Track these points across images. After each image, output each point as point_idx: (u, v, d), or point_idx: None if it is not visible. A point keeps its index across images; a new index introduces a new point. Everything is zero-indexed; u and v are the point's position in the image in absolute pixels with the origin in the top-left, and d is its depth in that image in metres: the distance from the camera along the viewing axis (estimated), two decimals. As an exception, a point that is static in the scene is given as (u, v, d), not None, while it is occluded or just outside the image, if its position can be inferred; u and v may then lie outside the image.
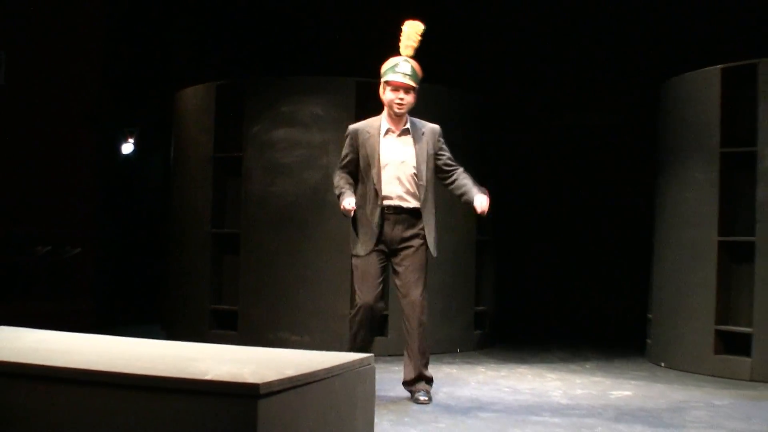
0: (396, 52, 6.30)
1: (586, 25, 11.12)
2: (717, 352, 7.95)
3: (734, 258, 7.99)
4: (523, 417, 5.82)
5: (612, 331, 10.67)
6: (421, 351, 6.28)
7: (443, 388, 6.84)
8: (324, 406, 3.01)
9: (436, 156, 6.37)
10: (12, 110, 10.69)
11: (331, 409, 3.06)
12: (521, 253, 11.66)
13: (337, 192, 6.34)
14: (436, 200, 6.41)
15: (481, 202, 6.23)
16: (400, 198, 6.25)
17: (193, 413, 2.68)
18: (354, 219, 6.30)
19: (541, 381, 7.43)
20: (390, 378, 6.98)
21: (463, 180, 6.38)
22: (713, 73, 8.11)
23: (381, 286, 6.32)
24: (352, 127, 6.43)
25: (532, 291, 11.82)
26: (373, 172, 6.24)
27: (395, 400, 6.20)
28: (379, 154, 6.26)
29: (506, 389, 6.96)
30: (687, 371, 8.10)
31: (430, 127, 6.44)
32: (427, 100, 9.01)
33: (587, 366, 8.43)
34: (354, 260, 6.36)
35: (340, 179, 6.38)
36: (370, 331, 6.39)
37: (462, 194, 6.35)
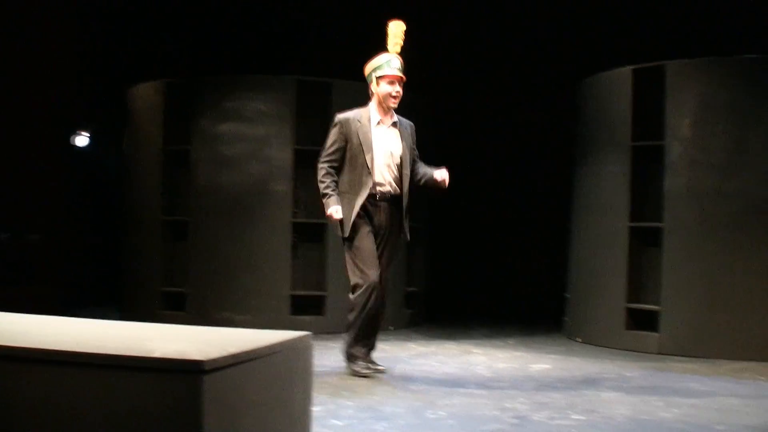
0: (379, 50, 6.32)
1: (509, 28, 11.17)
2: (628, 328, 8.05)
3: (643, 242, 8.08)
4: (450, 389, 5.85)
5: (532, 309, 10.75)
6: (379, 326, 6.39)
7: (378, 363, 6.85)
8: (265, 381, 3.01)
9: (414, 151, 6.41)
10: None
11: (272, 383, 3.06)
12: (450, 239, 11.71)
13: (322, 189, 6.23)
14: None
15: (441, 172, 6.29)
16: (390, 185, 6.23)
17: (142, 389, 2.67)
18: (346, 204, 6.19)
19: (467, 356, 7.47)
20: (328, 354, 6.98)
21: (421, 168, 6.41)
22: (625, 73, 8.19)
23: (378, 263, 6.20)
24: (341, 116, 6.34)
25: (460, 273, 11.87)
26: (367, 158, 6.16)
27: (333, 375, 6.20)
28: (372, 142, 6.21)
29: (435, 364, 7.00)
30: (601, 346, 8.19)
31: (409, 123, 6.47)
32: (360, 98, 9.06)
33: (510, 342, 8.49)
34: (348, 244, 6.18)
35: (326, 175, 6.26)
36: (376, 315, 6.25)
37: (422, 177, 6.37)
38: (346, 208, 6.17)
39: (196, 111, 9.02)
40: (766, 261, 7.52)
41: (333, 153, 6.28)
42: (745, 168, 7.59)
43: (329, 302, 8.86)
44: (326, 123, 8.85)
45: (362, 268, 6.13)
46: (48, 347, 2.85)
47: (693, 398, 5.67)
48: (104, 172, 12.22)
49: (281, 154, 8.80)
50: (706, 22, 9.95)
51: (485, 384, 6.09)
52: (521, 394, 5.72)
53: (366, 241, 6.15)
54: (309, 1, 10.99)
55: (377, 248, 6.21)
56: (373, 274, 6.11)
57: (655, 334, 7.83)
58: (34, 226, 10.47)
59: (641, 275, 8.12)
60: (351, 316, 6.25)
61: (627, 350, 7.92)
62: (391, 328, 9.16)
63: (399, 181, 6.26)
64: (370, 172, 6.16)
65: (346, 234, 6.17)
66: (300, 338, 3.30)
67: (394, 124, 6.33)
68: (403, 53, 6.32)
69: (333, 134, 6.30)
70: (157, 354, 2.73)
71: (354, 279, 6.20)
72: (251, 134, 8.83)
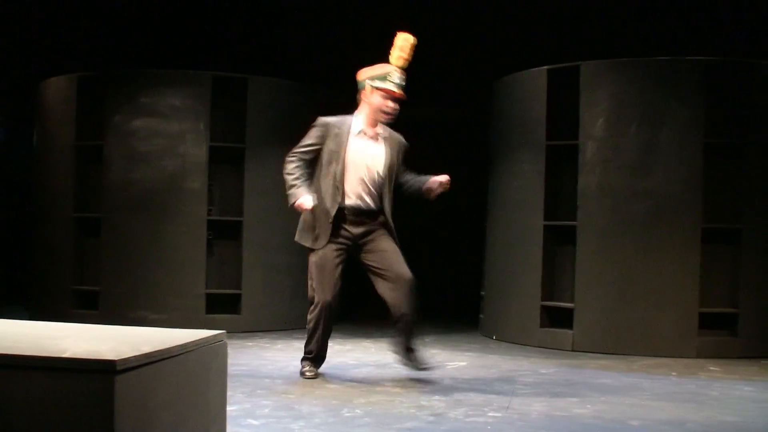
0: (383, 59, 6.21)
1: (426, 25, 11.19)
2: (543, 325, 8.14)
3: (558, 240, 8.17)
4: (367, 387, 5.84)
5: (448, 307, 10.80)
6: (415, 326, 6.17)
7: (293, 362, 6.82)
8: (178, 380, 2.98)
9: (400, 167, 6.24)
10: None
11: (186, 382, 3.03)
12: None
13: (291, 180, 5.98)
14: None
15: (435, 178, 6.22)
16: (360, 198, 6.01)
17: (53, 389, 2.62)
18: (313, 215, 6.02)
19: (384, 354, 7.45)
20: (245, 353, 6.94)
21: (411, 178, 6.31)
22: (540, 73, 8.27)
23: (338, 283, 6.04)
24: (324, 119, 6.14)
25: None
26: (337, 168, 5.95)
27: (249, 375, 6.16)
28: (345, 152, 5.99)
29: (352, 362, 6.99)
30: (516, 343, 8.26)
31: (400, 139, 6.27)
32: (276, 95, 9.03)
33: (426, 340, 8.49)
34: (310, 256, 6.06)
35: (296, 168, 6.03)
36: (326, 330, 6.15)
37: (416, 187, 6.33)
38: (312, 217, 6.04)
39: (109, 106, 8.87)
40: (676, 258, 7.66)
41: (306, 148, 6.10)
42: (655, 167, 7.72)
43: (245, 301, 8.82)
44: (242, 119, 8.85)
45: (319, 287, 6.03)
46: (-47, 347, 2.79)
47: (607, 394, 5.75)
48: (15, 167, 11.99)
49: (196, 151, 8.71)
50: (620, 25, 10.10)
51: (402, 382, 6.09)
52: (437, 390, 5.74)
53: (323, 257, 6.00)
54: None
55: (369, 254, 6.10)
56: (324, 292, 6.00)
57: (570, 332, 7.92)
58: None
59: (556, 273, 8.21)
60: (308, 324, 6.17)
61: (542, 347, 7.99)
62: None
63: (375, 195, 6.07)
64: (338, 184, 5.97)
65: (311, 245, 6.06)
66: (215, 337, 3.27)
67: (378, 137, 6.12)
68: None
69: (311, 133, 6.11)
70: (68, 354, 2.69)
71: (311, 293, 6.12)
72: (166, 130, 8.73)
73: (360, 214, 6.05)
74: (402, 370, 6.58)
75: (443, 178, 6.21)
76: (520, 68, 8.57)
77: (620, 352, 7.63)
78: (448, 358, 7.29)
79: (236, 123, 8.88)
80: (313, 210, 5.93)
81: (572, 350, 7.83)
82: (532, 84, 8.33)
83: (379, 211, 6.11)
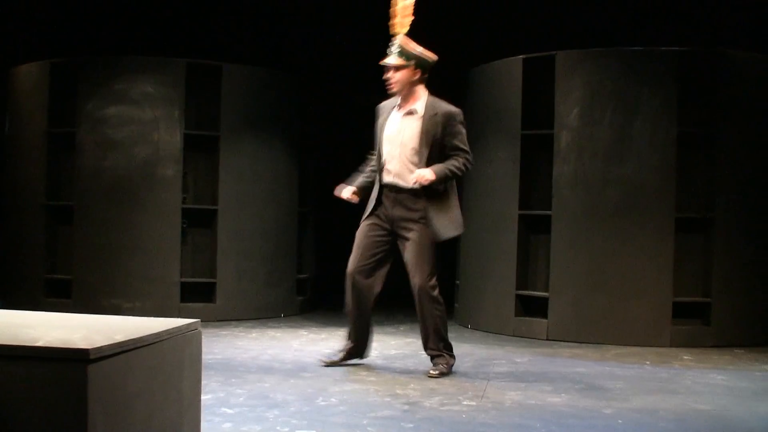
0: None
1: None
2: (517, 314, 8.15)
3: (532, 229, 8.19)
4: (342, 376, 5.85)
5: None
6: (435, 330, 6.05)
7: (268, 351, 6.81)
8: (152, 369, 2.96)
9: (445, 140, 5.91)
10: None
11: (159, 371, 3.01)
12: (340, 225, 11.68)
13: None
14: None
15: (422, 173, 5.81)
16: (397, 176, 5.92)
17: (25, 379, 2.60)
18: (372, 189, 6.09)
19: (359, 343, 7.47)
20: (219, 342, 6.92)
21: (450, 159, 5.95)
22: (515, 62, 8.27)
23: (371, 260, 6.04)
24: (379, 105, 6.20)
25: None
26: (378, 148, 6.02)
27: (224, 363, 6.14)
28: (382, 131, 6.02)
29: (327, 350, 6.95)
30: (491, 332, 8.28)
31: (446, 111, 5.97)
32: (250, 83, 9.00)
33: (401, 328, 8.52)
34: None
35: (366, 162, 6.28)
36: (357, 308, 6.13)
37: None
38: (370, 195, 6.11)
39: (81, 92, 8.80)
40: (650, 248, 7.69)
41: (375, 141, 6.15)
42: (628, 156, 7.74)
43: (220, 289, 8.79)
44: (216, 107, 8.82)
45: (350, 258, 6.09)
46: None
47: (580, 382, 5.78)
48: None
49: (170, 138, 8.66)
50: (595, 15, 10.12)
51: (377, 370, 6.10)
52: (412, 380, 5.75)
53: (361, 231, 6.09)
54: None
55: (401, 246, 6.03)
56: (351, 263, 6.05)
57: (544, 321, 7.95)
58: None
59: (530, 262, 8.23)
60: None
61: (517, 336, 8.02)
62: (282, 315, 9.14)
63: (411, 173, 5.86)
64: (380, 161, 6.00)
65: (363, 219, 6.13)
66: (189, 326, 3.25)
67: (412, 111, 5.96)
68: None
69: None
70: (40, 343, 2.67)
71: None
72: (139, 117, 8.66)
73: (399, 192, 5.94)
74: (377, 360, 6.58)
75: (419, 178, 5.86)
76: (496, 57, 8.57)
77: (594, 341, 7.66)
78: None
79: (210, 110, 8.84)
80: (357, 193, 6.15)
81: (547, 339, 7.85)
82: (508, 73, 8.33)
83: (421, 193, 5.88)
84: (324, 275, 10.52)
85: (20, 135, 9.37)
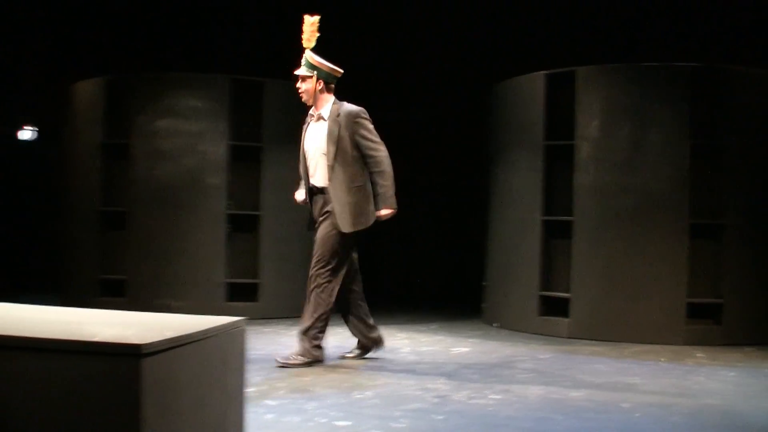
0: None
1: (430, 34, 11.20)
2: (540, 314, 8.11)
3: (555, 234, 8.14)
4: (376, 371, 5.84)
5: (453, 296, 10.78)
6: (308, 316, 6.06)
7: (307, 346, 6.81)
8: (200, 364, 2.96)
9: (356, 137, 6.01)
10: None
11: (207, 366, 3.01)
12: (374, 228, 11.70)
13: None
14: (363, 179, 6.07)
15: (385, 212, 6.13)
16: (314, 177, 6.08)
17: (82, 372, 2.61)
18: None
19: (392, 339, 7.45)
20: (262, 339, 6.94)
21: (376, 181, 6.08)
22: (538, 77, 8.24)
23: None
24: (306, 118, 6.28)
25: (384, 262, 11.87)
26: (303, 155, 6.15)
27: (266, 359, 6.15)
28: (304, 141, 6.15)
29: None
30: (515, 330, 8.23)
31: (348, 110, 6.07)
32: (291, 97, 9.02)
33: (432, 326, 8.50)
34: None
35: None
36: (340, 307, 6.26)
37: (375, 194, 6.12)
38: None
39: (134, 107, 8.87)
40: (665, 252, 7.64)
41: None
42: (643, 166, 7.70)
43: (262, 289, 8.82)
44: (259, 120, 8.85)
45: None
46: (-10, 332, 2.78)
47: (599, 378, 5.73)
48: (47, 165, 12.00)
49: (215, 149, 8.71)
50: (613, 32, 10.09)
51: (409, 366, 6.09)
52: (442, 375, 5.73)
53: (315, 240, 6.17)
54: (243, 4, 10.90)
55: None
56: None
57: (566, 320, 7.90)
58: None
59: (553, 265, 8.19)
60: None
61: (540, 334, 7.97)
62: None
63: (323, 172, 6.01)
64: (305, 167, 6.14)
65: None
66: (234, 323, 3.25)
67: (319, 118, 6.10)
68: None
69: None
70: (97, 338, 2.67)
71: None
72: (186, 129, 8.73)
73: (317, 192, 6.10)
74: (409, 356, 6.57)
75: (386, 215, 6.16)
76: (519, 73, 8.55)
77: (612, 339, 7.60)
78: (453, 344, 7.28)
79: (253, 123, 8.88)
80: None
81: (568, 337, 7.81)
82: (531, 88, 8.30)
83: (329, 191, 6.00)
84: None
85: (78, 146, 9.44)
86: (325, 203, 6.03)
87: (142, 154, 8.81)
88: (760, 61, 8.56)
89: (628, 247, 7.72)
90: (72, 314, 3.38)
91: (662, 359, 6.68)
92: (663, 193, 7.66)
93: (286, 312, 8.82)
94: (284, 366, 5.89)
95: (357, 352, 6.34)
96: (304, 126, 6.22)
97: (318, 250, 6.05)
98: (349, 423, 4.28)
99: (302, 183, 6.27)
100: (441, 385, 5.36)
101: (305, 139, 6.15)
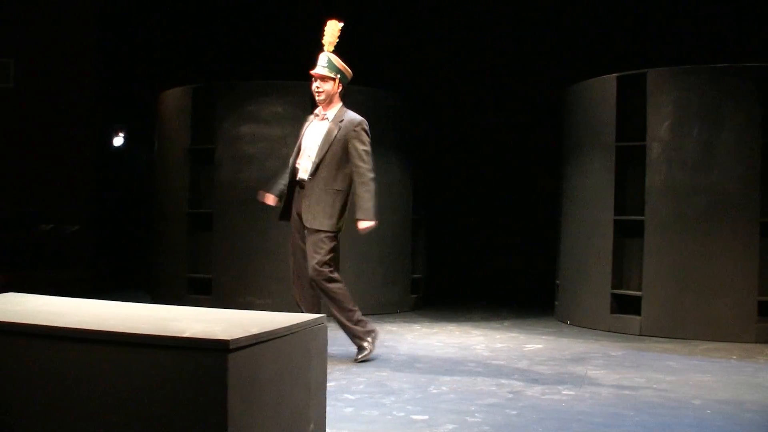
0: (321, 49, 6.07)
1: (507, 42, 11.17)
2: (612, 311, 8.03)
3: (626, 234, 8.06)
4: (452, 367, 5.85)
5: (526, 295, 10.74)
6: (337, 311, 6.01)
7: (386, 343, 6.85)
8: (283, 359, 3.01)
9: (349, 145, 5.92)
10: (20, 109, 10.65)
11: (290, 361, 3.06)
12: (450, 230, 11.71)
13: None
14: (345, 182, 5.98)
15: (363, 226, 5.97)
16: (304, 171, 5.98)
17: (172, 366, 2.67)
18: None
19: (467, 336, 7.46)
20: (341, 335, 6.97)
21: (357, 192, 5.95)
22: (610, 80, 8.17)
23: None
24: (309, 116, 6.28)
25: (459, 261, 11.88)
26: (297, 150, 6.11)
27: (346, 355, 6.20)
28: (302, 136, 6.11)
29: (438, 344, 6.99)
30: (587, 328, 8.17)
31: (352, 118, 6.00)
32: (367, 102, 9.06)
33: (505, 324, 8.47)
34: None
35: (284, 170, 6.31)
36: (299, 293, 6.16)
37: (354, 204, 5.99)
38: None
39: (219, 113, 9.00)
40: (734, 250, 7.51)
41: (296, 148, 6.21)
42: (714, 166, 7.58)
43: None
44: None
45: (291, 265, 6.26)
46: (85, 327, 2.85)
47: (671, 375, 5.67)
48: (136, 169, 12.23)
49: (297, 153, 8.80)
50: (683, 34, 9.95)
51: (483, 362, 6.09)
52: (516, 371, 5.72)
53: (291, 241, 6.19)
54: (321, 14, 10.99)
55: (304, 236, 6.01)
56: (294, 273, 6.15)
57: (637, 317, 7.82)
58: (73, 218, 10.50)
59: (624, 264, 8.10)
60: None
61: (611, 332, 7.90)
62: (398, 311, 9.18)
63: (311, 167, 5.94)
64: (295, 162, 6.06)
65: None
66: (316, 320, 3.29)
67: (324, 118, 6.03)
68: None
69: None
70: (186, 334, 2.73)
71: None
72: (269, 134, 8.82)
73: (301, 188, 6.01)
74: (483, 352, 6.56)
75: (361, 229, 6.00)
76: (591, 76, 8.48)
77: (683, 336, 7.50)
78: (526, 341, 7.25)
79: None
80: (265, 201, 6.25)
81: (639, 335, 7.72)
82: (602, 90, 8.23)
83: (309, 180, 5.93)
84: (435, 275, 10.55)
85: (167, 152, 9.62)
86: (309, 200, 5.94)
87: (227, 158, 8.94)
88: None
89: (699, 246, 7.61)
90: (162, 311, 3.45)
91: (733, 357, 6.58)
92: (734, 192, 7.53)
93: (365, 309, 8.60)
94: (364, 360, 5.93)
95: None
96: (306, 123, 6.20)
97: (315, 250, 5.92)
98: (426, 417, 4.30)
99: (280, 179, 6.24)
100: (515, 381, 5.35)
101: (304, 135, 6.10)
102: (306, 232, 5.97)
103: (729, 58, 8.15)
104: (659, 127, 7.78)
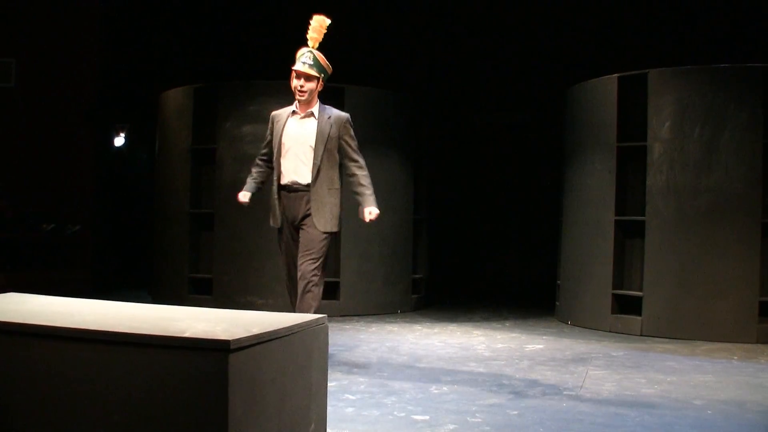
0: (304, 44, 5.95)
1: (507, 42, 11.17)
2: (613, 312, 8.03)
3: (627, 234, 8.05)
4: (453, 366, 5.85)
5: (527, 295, 10.73)
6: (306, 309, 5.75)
7: (386, 343, 6.84)
8: (284, 359, 3.00)
9: (341, 141, 5.86)
10: (22, 109, 10.63)
11: (291, 360, 3.05)
12: (451, 230, 11.71)
13: (247, 178, 6.17)
14: (343, 181, 5.94)
15: (370, 211, 5.83)
16: (295, 173, 5.82)
17: (173, 365, 2.67)
18: (270, 196, 5.97)
19: (468, 336, 7.45)
20: (342, 335, 6.99)
21: (362, 182, 5.90)
22: (611, 80, 8.16)
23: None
24: (273, 112, 6.07)
25: (460, 262, 11.88)
26: (277, 151, 5.87)
27: (347, 354, 6.19)
28: (282, 136, 5.86)
29: (439, 343, 6.98)
30: (589, 328, 8.16)
31: (338, 114, 5.90)
32: (370, 102, 9.06)
33: (506, 324, 8.46)
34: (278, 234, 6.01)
35: (254, 166, 6.16)
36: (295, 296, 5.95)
37: (357, 195, 5.91)
38: (270, 201, 5.99)
39: (221, 113, 9.00)
40: (736, 250, 7.49)
41: (265, 146, 6.08)
42: (716, 167, 7.57)
43: (343, 288, 8.86)
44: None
45: (282, 264, 6.09)
46: (87, 327, 2.85)
47: (672, 376, 5.66)
48: (138, 169, 12.23)
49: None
50: (684, 35, 9.95)
51: (484, 362, 6.08)
52: (517, 371, 5.71)
53: (283, 241, 5.99)
54: (322, 14, 10.98)
55: (298, 238, 5.86)
56: (287, 266, 6.01)
57: (638, 318, 7.81)
58: (74, 218, 10.50)
59: (625, 264, 8.10)
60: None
61: (613, 332, 7.89)
62: (399, 311, 9.17)
63: (308, 169, 5.80)
64: (279, 164, 5.87)
65: (272, 224, 6.02)
66: (317, 320, 3.29)
67: (311, 114, 5.85)
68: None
69: (267, 131, 6.06)
70: (187, 334, 2.73)
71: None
72: (271, 134, 8.83)
73: (296, 190, 5.82)
74: (485, 352, 6.56)
75: (369, 215, 5.86)
76: (593, 76, 8.48)
77: (685, 337, 7.49)
78: (527, 341, 7.24)
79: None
80: (270, 194, 5.98)
81: (640, 335, 7.71)
82: (604, 90, 8.23)
83: (308, 190, 5.79)
84: (437, 276, 10.55)
85: (169, 151, 9.62)
86: (308, 202, 5.79)
87: (228, 158, 8.93)
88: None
89: (700, 247, 7.60)
90: (163, 311, 3.45)
91: (735, 357, 6.57)
92: (735, 193, 7.51)
93: (366, 310, 8.88)
94: None
95: None
96: (277, 121, 5.97)
97: (308, 250, 5.77)
98: (427, 417, 4.30)
99: (252, 178, 6.15)
100: (516, 381, 5.35)
101: (284, 134, 5.88)
102: (302, 232, 5.84)
103: (731, 59, 8.15)
104: (660, 127, 7.77)
